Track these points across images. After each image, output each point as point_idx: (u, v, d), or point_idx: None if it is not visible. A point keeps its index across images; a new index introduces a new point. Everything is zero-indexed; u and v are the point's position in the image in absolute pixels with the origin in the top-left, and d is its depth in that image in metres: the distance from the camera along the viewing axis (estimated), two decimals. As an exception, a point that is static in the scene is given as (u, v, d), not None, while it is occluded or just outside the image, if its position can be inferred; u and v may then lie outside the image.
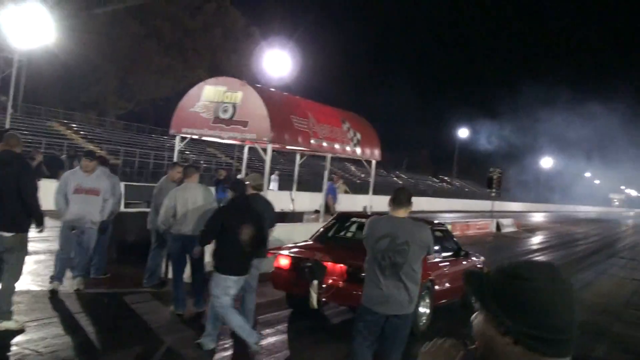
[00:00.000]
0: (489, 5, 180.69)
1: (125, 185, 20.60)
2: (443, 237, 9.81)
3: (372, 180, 16.30)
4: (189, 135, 12.83)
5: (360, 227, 9.84)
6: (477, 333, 1.67)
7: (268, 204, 8.22)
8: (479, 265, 10.85)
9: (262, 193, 8.39)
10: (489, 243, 24.66)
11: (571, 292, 1.61)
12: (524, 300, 1.55)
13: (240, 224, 6.78)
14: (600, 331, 10.07)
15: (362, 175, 68.74)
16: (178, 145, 13.14)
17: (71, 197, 8.55)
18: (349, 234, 10.05)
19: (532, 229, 36.46)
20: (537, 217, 57.82)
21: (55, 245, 9.36)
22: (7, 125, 29.62)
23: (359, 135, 15.01)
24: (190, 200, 8.12)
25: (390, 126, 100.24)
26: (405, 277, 5.34)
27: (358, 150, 14.99)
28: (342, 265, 8.10)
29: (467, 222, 27.59)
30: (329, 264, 8.12)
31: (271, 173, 32.64)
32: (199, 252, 7.68)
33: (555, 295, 1.56)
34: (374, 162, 16.23)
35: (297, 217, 16.83)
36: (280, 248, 9.03)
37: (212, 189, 16.66)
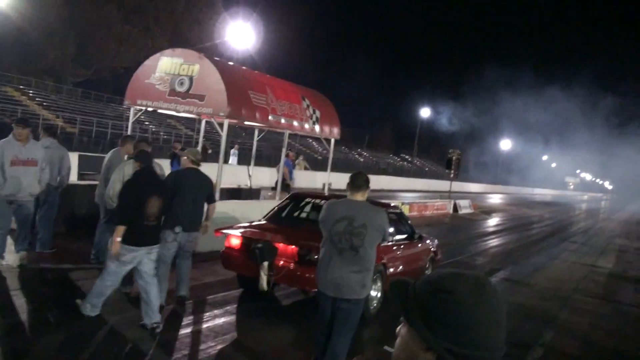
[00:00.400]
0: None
1: (80, 155, 20.17)
2: (397, 220, 9.74)
3: (330, 158, 16.19)
4: (143, 107, 12.51)
5: (315, 207, 9.75)
6: (400, 346, 1.56)
7: (205, 179, 8.06)
8: (432, 249, 10.86)
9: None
10: (446, 224, 24.87)
11: (499, 307, 1.50)
12: (448, 315, 1.45)
13: (148, 196, 6.61)
14: (548, 317, 10.20)
15: (324, 152, 68.72)
16: (133, 116, 12.82)
17: (8, 169, 8.13)
18: (303, 215, 9.90)
19: (489, 211, 36.93)
20: (495, 199, 58.54)
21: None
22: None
23: (318, 113, 14.87)
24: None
25: (353, 103, 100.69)
26: (360, 260, 5.37)
27: (317, 128, 14.85)
28: (293, 246, 7.92)
29: (425, 202, 27.71)
30: (280, 245, 7.98)
31: (231, 147, 32.42)
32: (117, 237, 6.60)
33: (481, 309, 1.46)
34: (332, 140, 16.12)
35: (254, 194, 16.68)
36: (231, 227, 8.84)
37: (167, 162, 16.36)
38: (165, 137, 44.12)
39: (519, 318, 9.91)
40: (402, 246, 9.42)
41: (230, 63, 14.84)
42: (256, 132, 16.73)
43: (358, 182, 5.56)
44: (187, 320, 7.39)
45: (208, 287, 8.99)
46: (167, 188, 7.16)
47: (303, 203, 10.00)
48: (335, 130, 15.78)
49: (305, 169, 31.10)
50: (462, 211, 30.61)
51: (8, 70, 44.68)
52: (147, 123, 46.09)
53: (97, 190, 9.15)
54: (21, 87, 43.27)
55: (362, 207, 5.50)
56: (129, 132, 12.73)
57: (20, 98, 40.50)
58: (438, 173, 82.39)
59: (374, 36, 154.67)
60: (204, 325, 7.23)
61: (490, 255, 17.51)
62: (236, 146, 31.20)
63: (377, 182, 44.08)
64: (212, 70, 11.72)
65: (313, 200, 9.91)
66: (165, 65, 12.11)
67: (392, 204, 11.14)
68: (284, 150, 15.51)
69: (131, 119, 12.85)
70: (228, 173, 20.83)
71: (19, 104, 38.26)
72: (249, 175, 16.80)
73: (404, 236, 9.71)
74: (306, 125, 14.35)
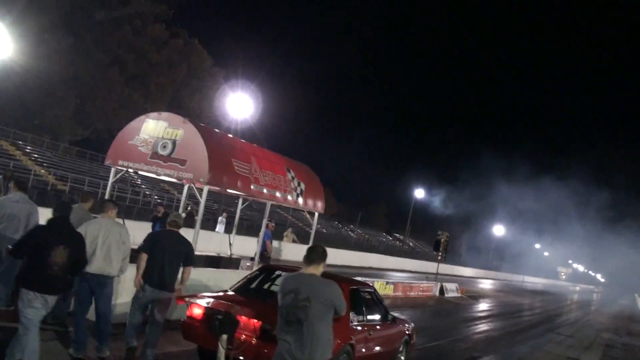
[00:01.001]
0: (454, 67, 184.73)
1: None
2: (370, 299, 9.45)
3: (313, 232, 15.96)
4: (124, 169, 12.36)
5: None
6: None
7: (183, 242, 8.26)
8: (407, 332, 10.52)
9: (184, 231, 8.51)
10: (430, 307, 24.40)
11: None
12: None
13: (54, 244, 6.64)
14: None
15: (318, 226, 68.52)
16: (113, 177, 12.66)
17: None
18: (272, 287, 9.53)
19: (477, 296, 36.36)
20: (485, 284, 57.97)
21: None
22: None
23: (302, 186, 14.72)
24: (101, 236, 7.64)
25: (348, 180, 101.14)
26: (307, 335, 5.29)
27: (300, 200, 14.67)
28: (256, 320, 7.60)
29: (411, 283, 27.30)
30: (243, 318, 7.61)
31: (220, 215, 32.15)
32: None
33: None
34: (316, 214, 15.93)
35: (234, 263, 16.33)
36: (195, 296, 8.51)
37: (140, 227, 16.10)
38: (158, 200, 43.90)
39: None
40: (374, 327, 9.08)
41: (216, 130, 14.76)
42: (240, 201, 16.55)
43: (311, 255, 5.57)
44: None
45: (170, 357, 8.60)
46: (80, 241, 7.07)
47: (273, 275, 9.66)
48: (320, 204, 15.61)
49: (294, 241, 30.79)
50: (448, 294, 30.12)
51: (7, 124, 44.89)
52: (143, 186, 46.03)
53: None
54: (17, 141, 43.30)
55: (309, 280, 5.47)
56: (107, 192, 12.59)
57: (14, 152, 40.47)
58: (430, 255, 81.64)
59: (372, 114, 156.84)
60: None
61: (471, 342, 17.05)
62: (225, 214, 30.83)
63: (367, 260, 43.80)
64: (195, 135, 11.62)
65: (284, 273, 9.57)
66: (150, 127, 12.03)
67: (368, 283, 10.81)
68: (264, 221, 15.27)
69: (111, 179, 12.69)
70: (214, 240, 20.52)
71: (12, 158, 38.19)
72: (230, 244, 16.47)
73: (376, 317, 9.40)
74: (289, 197, 14.18)
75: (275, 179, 13.66)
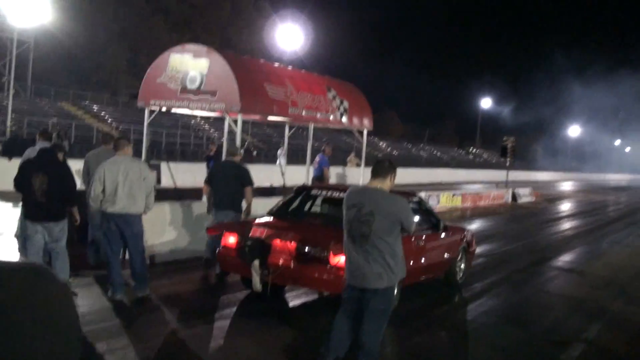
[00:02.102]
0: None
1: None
2: (417, 209, 8.91)
3: (363, 150, 15.41)
4: (156, 108, 12.08)
5: (325, 201, 9.09)
6: None
7: (237, 167, 9.46)
8: (465, 240, 9.98)
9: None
10: (501, 214, 23.62)
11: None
12: None
13: (33, 172, 7.11)
14: (598, 309, 9.15)
15: (389, 149, 67.70)
16: (147, 118, 12.41)
17: None
18: (308, 209, 9.17)
19: (553, 199, 35.13)
20: (563, 187, 56.18)
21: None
22: (10, 106, 29.30)
23: (346, 104, 14.12)
24: (121, 175, 7.32)
25: (413, 100, 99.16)
26: (372, 249, 5.12)
27: (344, 119, 14.10)
28: (291, 242, 7.23)
29: (480, 193, 26.47)
30: (277, 241, 7.27)
31: (277, 148, 31.90)
32: None
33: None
34: (365, 131, 15.34)
35: (288, 192, 16.05)
36: (227, 225, 8.19)
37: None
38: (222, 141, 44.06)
39: (563, 311, 8.96)
40: (423, 238, 8.58)
41: (245, 56, 14.24)
42: (287, 128, 16.12)
43: (376, 169, 5.37)
44: (181, 320, 6.81)
45: (213, 290, 8.43)
46: (62, 171, 7.41)
47: (310, 197, 9.22)
48: (366, 121, 15.00)
49: (358, 166, 30.31)
50: (521, 200, 29.14)
51: (66, 86, 45.67)
52: (211, 130, 46.29)
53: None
54: (78, 101, 44.07)
55: (374, 194, 5.27)
56: (144, 134, 12.36)
57: (76, 113, 41.22)
58: (503, 164, 79.97)
59: (433, 28, 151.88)
60: (192, 330, 6.59)
61: (544, 244, 16.29)
62: (282, 147, 30.55)
63: (436, 175, 42.97)
64: (222, 64, 11.17)
65: (322, 193, 9.14)
66: (176, 62, 11.66)
67: (413, 192, 10.21)
68: (309, 145, 14.77)
69: (146, 120, 12.45)
70: (276, 174, 20.07)
71: (74, 118, 38.87)
72: (282, 173, 16.20)
73: (425, 226, 8.89)
74: (332, 117, 13.64)
75: (314, 100, 13.11)
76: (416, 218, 8.62)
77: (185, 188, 15.18)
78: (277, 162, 29.22)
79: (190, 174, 18.47)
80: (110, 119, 42.10)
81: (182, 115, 46.85)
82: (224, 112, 11.33)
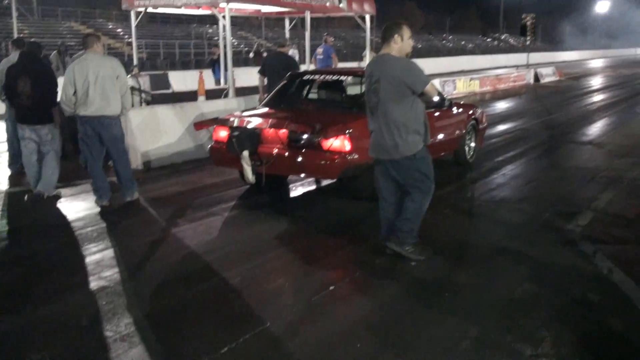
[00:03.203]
0: None
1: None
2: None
3: (367, 38, 14.69)
4: (142, 9, 11.50)
5: (318, 85, 8.61)
6: None
7: (288, 58, 10.72)
8: (473, 117, 9.48)
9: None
10: (523, 95, 22.84)
11: None
12: None
13: (18, 76, 7.24)
14: (612, 179, 8.68)
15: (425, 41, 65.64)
16: (135, 20, 11.86)
17: None
18: (301, 96, 8.70)
19: (578, 76, 33.95)
20: (592, 64, 54.43)
21: None
22: (15, 28, 28.71)
23: (343, -13, 13.33)
24: (91, 74, 6.86)
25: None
26: (383, 119, 5.01)
27: (343, 4, 13.33)
28: (283, 130, 6.92)
29: (499, 75, 25.55)
30: (268, 131, 6.99)
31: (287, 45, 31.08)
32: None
33: None
34: (368, 17, 14.55)
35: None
36: (216, 119, 7.80)
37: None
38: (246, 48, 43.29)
39: (575, 183, 8.52)
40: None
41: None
42: (286, 22, 15.42)
43: (383, 33, 5.10)
44: (170, 219, 6.57)
45: (213, 187, 8.18)
46: (46, 74, 7.53)
47: (304, 83, 8.73)
48: (367, 6, 14.18)
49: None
50: (544, 80, 28.15)
51: (75, 5, 44.80)
52: (218, 38, 45.37)
53: None
54: (86, 20, 43.29)
55: (381, 59, 5.08)
56: (133, 38, 11.86)
57: (85, 31, 40.49)
58: (531, 48, 77.45)
59: None
60: (182, 227, 6.35)
61: (564, 120, 15.66)
62: (294, 45, 29.72)
63: (458, 63, 41.80)
64: (202, -48, 10.47)
65: (314, 78, 8.67)
66: (155, -44, 10.97)
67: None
68: (307, 35, 14.04)
69: (133, 23, 11.91)
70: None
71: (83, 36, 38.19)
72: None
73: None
74: (328, 3, 12.88)
75: (308, -14, 12.36)
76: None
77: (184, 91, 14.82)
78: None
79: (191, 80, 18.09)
80: (122, 33, 41.36)
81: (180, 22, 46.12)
82: (211, 6, 10.71)
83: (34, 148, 7.47)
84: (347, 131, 6.70)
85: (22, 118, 7.39)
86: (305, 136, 6.78)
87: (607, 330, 4.11)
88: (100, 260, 5.45)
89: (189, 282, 4.93)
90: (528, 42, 27.79)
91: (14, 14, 28.24)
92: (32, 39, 8.42)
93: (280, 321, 4.15)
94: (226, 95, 11.49)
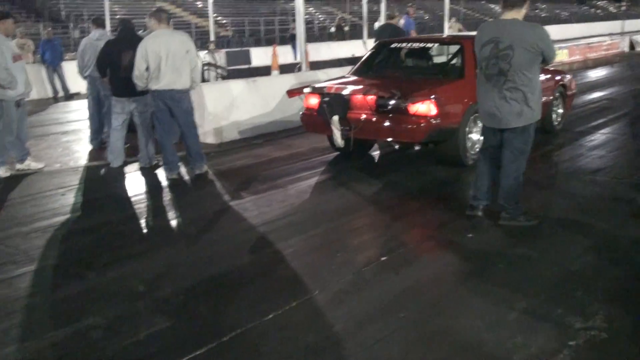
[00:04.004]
0: None
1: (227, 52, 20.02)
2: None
3: (446, 9, 14.34)
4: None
5: (407, 53, 8.73)
6: None
7: (396, 29, 11.35)
8: (561, 82, 9.31)
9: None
10: (615, 63, 21.75)
11: None
12: None
13: (123, 49, 7.51)
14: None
15: (499, 11, 63.81)
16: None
17: (12, 67, 7.43)
18: (388, 63, 8.82)
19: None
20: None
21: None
22: (107, 9, 29.78)
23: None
24: (163, 50, 7.03)
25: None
26: (511, 86, 4.94)
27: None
28: (371, 96, 7.14)
29: (590, 44, 24.38)
30: (357, 97, 7.25)
31: (374, 21, 30.77)
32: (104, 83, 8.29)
33: None
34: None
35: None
36: (306, 86, 8.01)
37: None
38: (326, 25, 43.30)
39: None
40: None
41: None
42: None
43: None
44: (238, 190, 6.74)
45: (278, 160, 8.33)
46: None
47: (391, 51, 8.86)
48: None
49: (460, 31, 28.73)
50: (640, 48, 26.69)
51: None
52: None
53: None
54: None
55: (510, 26, 4.96)
56: (210, 14, 12.03)
57: (174, 10, 41.48)
58: (629, 14, 73.46)
59: None
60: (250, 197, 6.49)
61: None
62: (380, 18, 29.44)
63: (550, 33, 40.02)
64: None
65: (402, 46, 8.77)
66: None
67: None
68: (383, 6, 13.80)
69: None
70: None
71: (172, 16, 39.11)
72: (364, 42, 15.51)
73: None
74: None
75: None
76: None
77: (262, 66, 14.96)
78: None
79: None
80: (205, 14, 42.13)
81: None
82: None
83: (125, 122, 7.93)
84: (433, 96, 6.91)
85: (124, 91, 7.62)
86: (392, 101, 6.99)
87: (668, 305, 3.90)
88: (162, 231, 5.68)
89: (242, 252, 5.03)
90: (623, 8, 26.19)
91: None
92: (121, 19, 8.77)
93: (327, 290, 4.17)
94: (299, 69, 11.53)
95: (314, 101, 7.69)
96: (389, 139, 7.79)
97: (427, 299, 4.03)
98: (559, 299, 3.92)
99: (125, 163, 8.08)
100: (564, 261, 4.55)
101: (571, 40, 33.29)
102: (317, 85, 7.90)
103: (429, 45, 8.76)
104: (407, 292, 4.12)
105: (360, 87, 7.48)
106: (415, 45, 8.67)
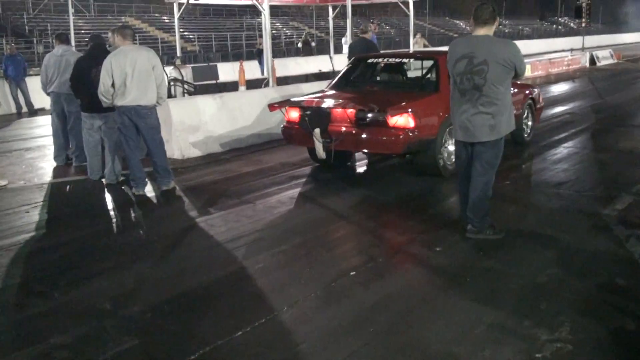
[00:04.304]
0: None
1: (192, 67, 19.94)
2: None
3: (411, 23, 14.53)
4: (184, 0, 11.65)
5: (383, 68, 9.05)
6: None
7: (368, 42, 11.10)
8: (530, 96, 9.69)
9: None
10: (576, 78, 22.20)
11: None
12: None
13: (92, 66, 7.50)
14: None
15: (464, 26, 64.87)
16: (177, 12, 12.04)
17: None
18: (365, 78, 9.03)
19: (637, 59, 32.76)
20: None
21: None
22: (72, 24, 29.51)
23: (385, -26, 13.20)
24: (129, 66, 7.00)
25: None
26: (486, 100, 5.04)
27: (385, -10, 13.21)
28: (351, 110, 7.38)
29: (552, 59, 24.88)
30: (337, 110, 7.51)
31: (341, 36, 30.98)
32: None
33: None
34: (411, 3, 14.39)
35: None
36: (287, 101, 8.24)
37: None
38: (292, 39, 43.47)
39: (619, 167, 8.27)
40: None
41: None
42: (330, 10, 15.39)
43: (482, 14, 5.09)
44: (204, 207, 6.68)
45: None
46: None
47: (365, 66, 9.10)
48: (411, -11, 14.00)
49: (425, 46, 29.06)
50: (600, 63, 27.30)
51: (129, 1, 45.74)
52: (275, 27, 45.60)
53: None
54: (141, 14, 44.15)
55: (484, 41, 5.09)
56: (176, 29, 12.04)
57: (141, 25, 41.33)
58: (590, 30, 75.12)
59: None
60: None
61: (617, 102, 15.16)
62: (347, 35, 29.64)
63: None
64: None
65: (378, 61, 9.04)
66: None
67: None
68: (348, 23, 13.97)
69: (176, 14, 12.08)
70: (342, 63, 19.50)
71: (139, 32, 38.97)
72: (330, 58, 15.63)
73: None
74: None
75: (349, -27, 12.30)
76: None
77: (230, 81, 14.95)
78: (343, 50, 28.44)
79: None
80: (172, 29, 41.99)
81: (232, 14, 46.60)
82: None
83: (99, 138, 7.91)
84: (410, 109, 7.15)
85: (93, 107, 7.58)
86: (371, 114, 7.21)
87: (631, 315, 3.98)
88: (128, 248, 5.60)
89: (211, 268, 5.00)
90: (584, 25, 26.84)
91: (71, 10, 29.15)
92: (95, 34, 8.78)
93: (296, 306, 4.18)
94: (266, 85, 11.56)
95: (294, 114, 7.92)
96: (368, 151, 8.04)
97: (396, 312, 4.06)
98: (526, 311, 3.98)
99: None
100: (530, 274, 4.62)
101: (534, 55, 34.02)
102: (298, 99, 8.16)
103: (405, 60, 9.07)
104: (377, 306, 4.14)
105: (340, 100, 7.79)
106: (391, 60, 8.94)
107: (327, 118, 7.48)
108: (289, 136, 8.23)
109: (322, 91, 8.72)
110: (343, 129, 7.41)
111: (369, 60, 9.14)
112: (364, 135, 7.32)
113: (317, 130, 7.45)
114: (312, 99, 7.95)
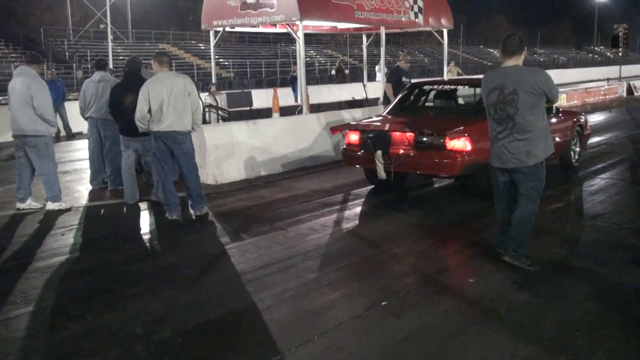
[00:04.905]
0: None
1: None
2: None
3: (445, 52, 14.53)
4: (220, 28, 11.82)
5: (437, 95, 9.51)
6: None
7: (406, 72, 11.54)
8: (578, 123, 9.97)
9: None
10: (613, 108, 21.93)
11: None
12: None
13: (126, 93, 7.81)
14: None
15: (499, 55, 64.69)
16: (213, 40, 12.20)
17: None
18: (423, 103, 9.59)
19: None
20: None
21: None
22: (110, 51, 30.18)
23: (420, 2, 13.26)
24: (165, 92, 7.10)
25: (521, 1, 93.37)
26: (520, 128, 5.12)
27: (419, 19, 13.27)
28: (410, 133, 7.84)
29: (588, 89, 24.61)
30: (396, 134, 7.95)
31: (374, 64, 31.09)
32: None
33: None
34: (445, 31, 14.40)
35: (372, 104, 15.55)
36: (347, 125, 8.86)
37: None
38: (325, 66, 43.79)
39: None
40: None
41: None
42: (364, 38, 15.48)
43: (510, 46, 5.21)
44: (236, 233, 6.68)
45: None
46: None
47: (423, 92, 9.62)
48: (445, 20, 14.05)
49: (459, 74, 29.01)
50: (639, 93, 26.89)
51: (167, 28, 46.68)
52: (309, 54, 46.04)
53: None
54: (178, 41, 44.95)
55: (512, 72, 5.18)
56: (212, 56, 12.20)
57: (177, 52, 42.06)
58: (627, 59, 74.28)
59: None
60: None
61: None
62: (380, 62, 29.74)
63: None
64: (276, -28, 10.68)
65: (433, 87, 9.52)
66: (232, -22, 11.28)
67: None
68: (382, 51, 14.02)
69: (212, 42, 12.25)
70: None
71: (175, 58, 39.65)
72: (364, 85, 15.65)
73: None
74: (404, 18, 12.84)
75: (384, 1, 12.37)
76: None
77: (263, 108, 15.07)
78: (376, 78, 28.51)
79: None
80: (208, 56, 42.61)
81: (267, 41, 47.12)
82: (286, 25, 10.89)
83: (133, 160, 8.26)
84: (467, 133, 7.50)
85: (130, 131, 7.78)
86: (430, 138, 7.62)
87: (672, 354, 3.85)
88: (161, 273, 5.62)
89: (241, 294, 4.99)
90: (620, 54, 26.56)
91: (110, 37, 29.86)
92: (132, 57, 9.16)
93: (327, 335, 4.14)
94: (300, 112, 11.63)
95: (354, 137, 8.43)
96: (425, 172, 8.35)
97: (429, 345, 3.99)
98: (561, 347, 3.89)
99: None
100: (566, 308, 4.52)
101: (569, 84, 33.70)
102: (356, 123, 8.75)
103: (458, 87, 9.55)
104: (409, 338, 4.09)
105: (399, 124, 8.25)
106: (446, 86, 9.48)
107: (387, 141, 7.89)
108: (349, 157, 8.65)
109: (380, 115, 9.25)
110: (401, 151, 7.82)
111: (424, 87, 9.64)
112: (422, 158, 7.72)
113: (379, 152, 7.85)
114: (371, 123, 8.50)
